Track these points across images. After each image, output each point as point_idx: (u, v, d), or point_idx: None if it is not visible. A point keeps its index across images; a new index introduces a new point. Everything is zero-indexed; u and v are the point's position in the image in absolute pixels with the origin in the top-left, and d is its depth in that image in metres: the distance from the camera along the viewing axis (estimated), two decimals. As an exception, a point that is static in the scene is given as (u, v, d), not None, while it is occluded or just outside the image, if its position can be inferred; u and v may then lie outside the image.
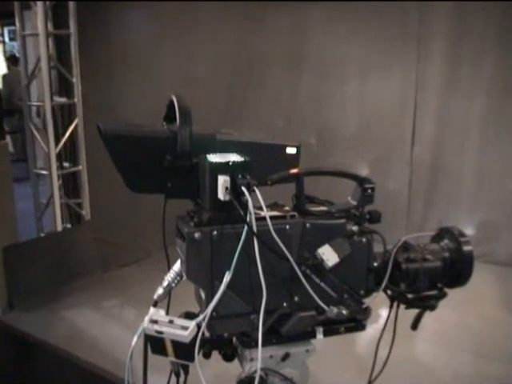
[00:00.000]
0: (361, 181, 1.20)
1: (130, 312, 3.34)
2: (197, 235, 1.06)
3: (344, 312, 1.13)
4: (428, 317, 1.23)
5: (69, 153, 4.10)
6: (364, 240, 1.17)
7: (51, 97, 3.77)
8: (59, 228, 3.86)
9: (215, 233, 1.07)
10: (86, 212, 4.13)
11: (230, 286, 1.07)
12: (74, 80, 3.96)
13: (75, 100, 3.98)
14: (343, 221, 1.17)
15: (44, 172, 3.93)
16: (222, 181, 1.03)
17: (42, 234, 4.05)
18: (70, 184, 4.14)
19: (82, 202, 4.13)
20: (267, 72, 4.65)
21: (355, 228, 1.18)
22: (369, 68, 4.42)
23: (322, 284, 1.15)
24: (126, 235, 4.18)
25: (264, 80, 4.66)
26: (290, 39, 4.59)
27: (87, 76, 4.03)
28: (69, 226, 4.15)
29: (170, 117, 1.27)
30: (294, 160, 1.25)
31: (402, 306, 1.22)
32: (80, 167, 4.09)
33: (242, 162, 1.06)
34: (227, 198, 1.03)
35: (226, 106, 4.61)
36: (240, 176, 1.04)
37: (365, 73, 4.45)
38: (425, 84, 4.22)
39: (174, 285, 1.25)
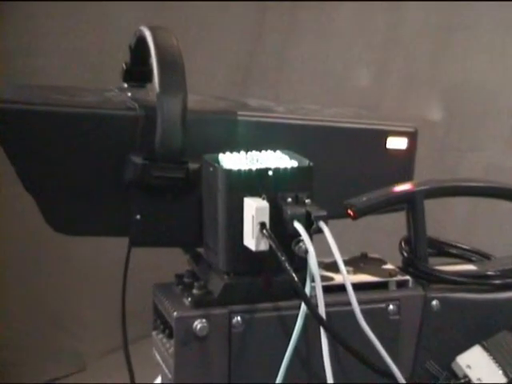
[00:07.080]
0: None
1: None
2: (199, 325, 1.08)
3: None
4: None
5: None
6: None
7: None
8: None
9: (238, 319, 1.09)
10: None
11: None
12: None
13: None
14: None
15: None
16: (254, 209, 1.05)
17: None
18: None
19: None
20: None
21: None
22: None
23: (467, 432, 1.16)
24: (35, 325, 4.23)
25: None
26: None
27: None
28: None
29: (136, 74, 1.34)
30: (402, 162, 1.29)
31: None
32: None
33: (294, 169, 1.09)
34: (263, 246, 1.05)
35: (251, 48, 4.66)
36: (290, 199, 1.07)
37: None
38: None
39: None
